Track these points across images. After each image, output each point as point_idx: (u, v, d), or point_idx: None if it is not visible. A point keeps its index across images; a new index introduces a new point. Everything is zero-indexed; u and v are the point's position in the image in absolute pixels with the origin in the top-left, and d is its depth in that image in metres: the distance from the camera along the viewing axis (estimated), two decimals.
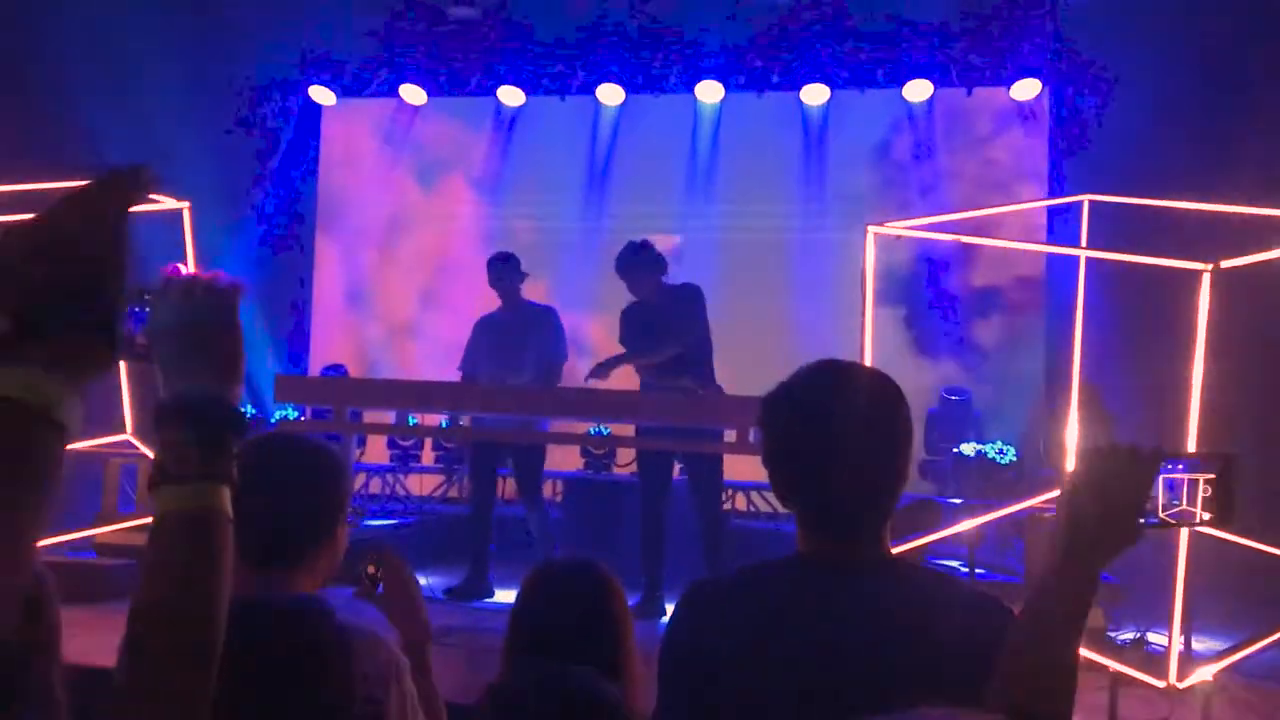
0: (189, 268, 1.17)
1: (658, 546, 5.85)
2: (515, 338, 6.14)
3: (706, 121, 8.74)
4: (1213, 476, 1.40)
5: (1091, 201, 5.21)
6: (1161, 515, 1.40)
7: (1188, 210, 4.69)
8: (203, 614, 1.09)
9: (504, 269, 6.20)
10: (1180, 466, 1.40)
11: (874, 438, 1.60)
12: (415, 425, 6.25)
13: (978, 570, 6.05)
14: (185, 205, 5.14)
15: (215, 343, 1.14)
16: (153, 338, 1.14)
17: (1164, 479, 1.40)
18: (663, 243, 6.26)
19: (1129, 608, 5.23)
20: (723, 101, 8.66)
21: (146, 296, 1.16)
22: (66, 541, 5.47)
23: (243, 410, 1.17)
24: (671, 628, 1.65)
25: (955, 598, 1.59)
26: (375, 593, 2.21)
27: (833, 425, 1.59)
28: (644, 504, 5.90)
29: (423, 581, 2.30)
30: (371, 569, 2.18)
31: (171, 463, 1.11)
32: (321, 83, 9.03)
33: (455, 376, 6.25)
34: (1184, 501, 1.40)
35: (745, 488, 8.07)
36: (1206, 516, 1.40)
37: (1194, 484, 1.40)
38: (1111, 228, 5.18)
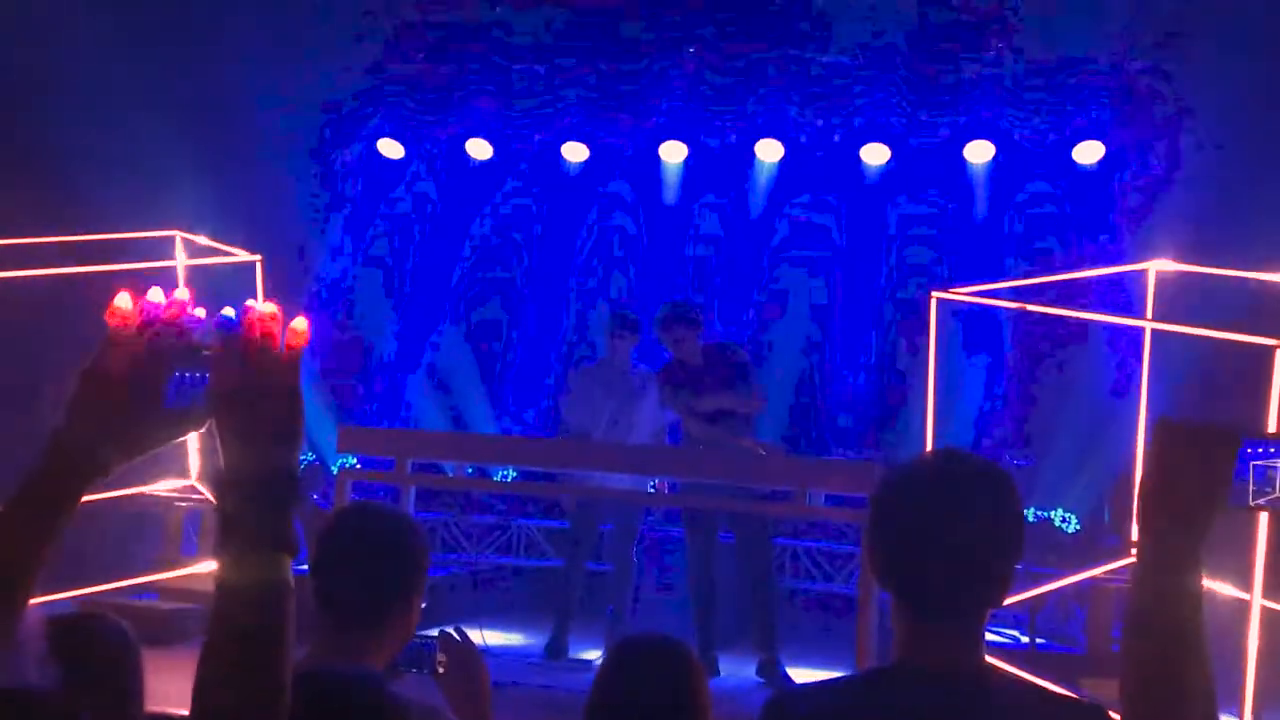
0: (238, 318, 1.14)
1: (709, 605, 5.81)
2: (629, 397, 6.09)
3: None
4: None
5: (1159, 271, 5.17)
6: (1253, 502, 1.36)
7: (1263, 281, 4.64)
8: (267, 684, 1.10)
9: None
10: (1263, 449, 1.36)
11: (985, 534, 1.58)
12: (493, 480, 6.22)
13: (1038, 640, 5.94)
14: (258, 258, 5.25)
15: (276, 408, 1.13)
16: (211, 403, 1.14)
17: (1251, 464, 1.36)
18: None
19: None
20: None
21: (205, 353, 1.15)
22: (130, 586, 5.55)
23: (303, 479, 1.20)
24: None
25: (1053, 714, 1.55)
26: (443, 679, 2.23)
27: (946, 518, 1.57)
28: (692, 561, 5.86)
29: (475, 637, 2.31)
30: (442, 656, 2.20)
31: (234, 532, 1.11)
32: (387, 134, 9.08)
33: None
34: (1277, 487, 1.36)
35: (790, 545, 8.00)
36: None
37: (1267, 468, 1.36)
38: (1183, 297, 5.13)
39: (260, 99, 7.14)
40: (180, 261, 5.15)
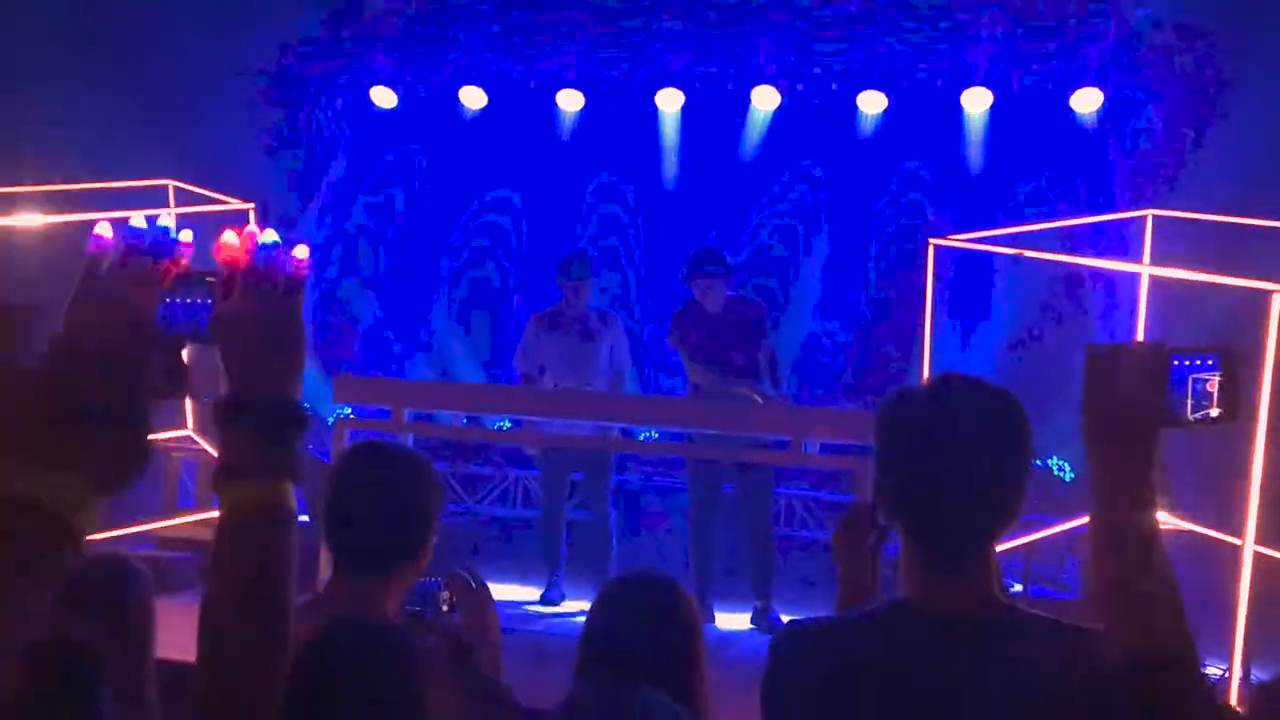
0: (239, 244, 1.15)
1: (707, 554, 5.86)
2: (585, 342, 6.10)
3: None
4: (1219, 374, 1.38)
5: (1155, 217, 5.15)
6: (1191, 416, 1.37)
7: (1262, 228, 4.63)
8: (273, 606, 1.11)
9: (585, 265, 6.15)
10: (1193, 363, 1.38)
11: (994, 459, 1.53)
12: (479, 428, 6.21)
13: (1032, 585, 5.99)
14: (251, 206, 5.22)
15: (280, 339, 1.15)
16: (216, 331, 1.15)
17: (1191, 378, 1.37)
18: None
19: None
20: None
21: (209, 281, 1.16)
22: (127, 535, 5.57)
23: (305, 406, 1.18)
24: (773, 672, 1.62)
25: (1062, 647, 1.52)
26: (452, 619, 2.23)
27: (953, 442, 1.52)
28: (694, 510, 5.90)
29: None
30: (448, 594, 2.20)
31: (237, 459, 1.13)
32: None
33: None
34: (1202, 400, 1.38)
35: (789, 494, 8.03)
36: (1215, 413, 1.37)
37: (1202, 382, 1.38)
38: (1179, 245, 5.11)
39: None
40: (172, 210, 5.11)
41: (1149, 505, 1.34)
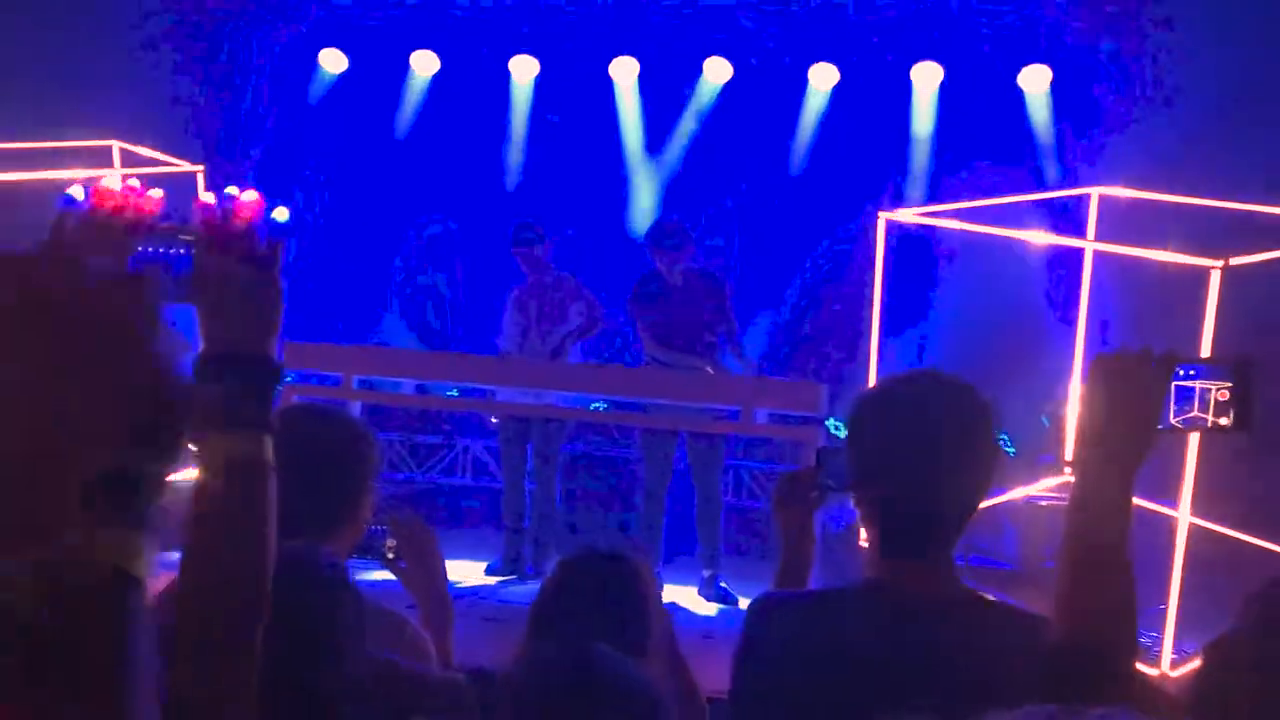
0: (222, 205, 1.17)
1: (658, 524, 5.90)
2: (558, 304, 6.10)
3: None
4: (1229, 383, 1.39)
5: (1101, 195, 5.24)
6: (1174, 421, 1.39)
7: (1200, 206, 4.72)
8: (253, 558, 1.14)
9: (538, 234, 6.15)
10: (1194, 372, 1.39)
11: (960, 454, 1.60)
12: (429, 396, 6.18)
13: (972, 555, 6.11)
14: (200, 168, 5.14)
15: (258, 295, 1.17)
16: (196, 286, 1.17)
17: (1175, 385, 1.39)
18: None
19: None
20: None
21: (184, 238, 1.18)
22: None
23: (281, 362, 1.20)
24: (747, 640, 1.69)
25: (1016, 630, 1.59)
26: (397, 566, 2.23)
27: (922, 436, 1.59)
28: (648, 479, 5.93)
29: None
30: (392, 542, 2.20)
31: (215, 414, 1.14)
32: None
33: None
34: (1197, 408, 1.39)
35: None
36: (1225, 421, 1.39)
37: (1207, 391, 1.39)
38: (1121, 222, 5.21)
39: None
40: (117, 171, 5.01)
41: (1126, 510, 1.38)
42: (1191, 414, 1.40)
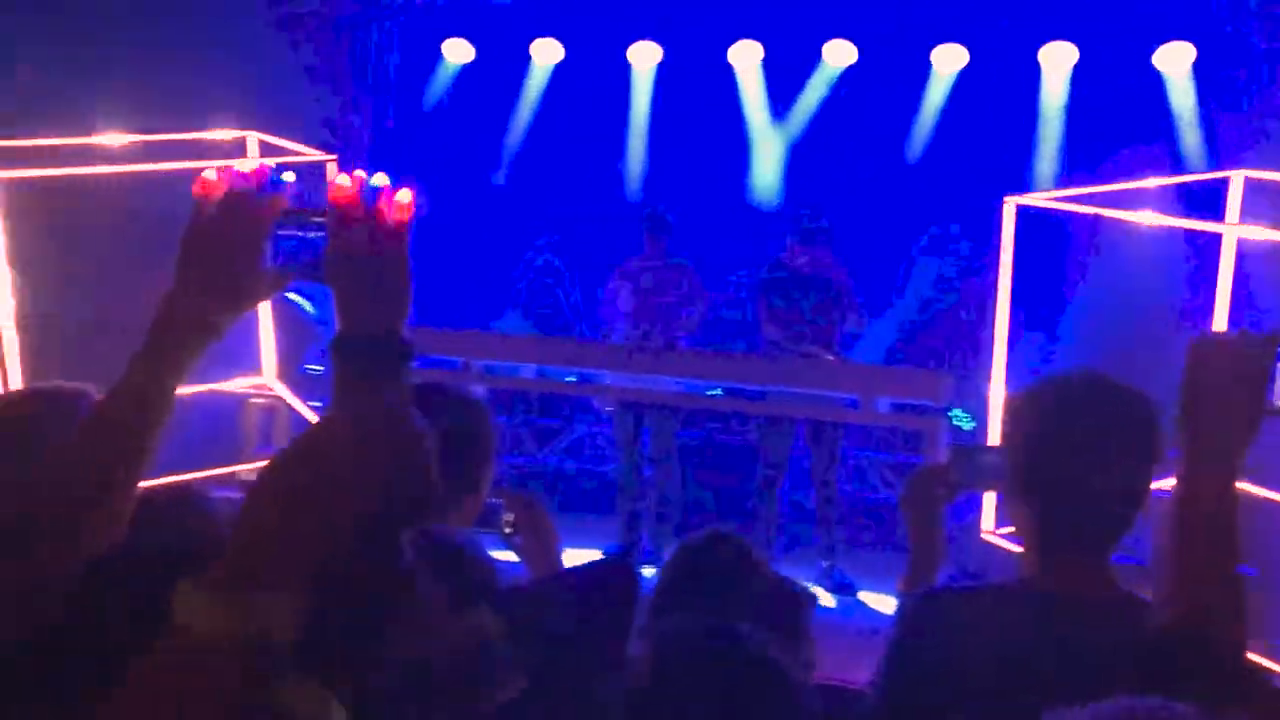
0: (350, 185, 1.20)
1: (774, 512, 5.87)
2: (673, 290, 6.14)
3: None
4: None
5: (1246, 178, 5.00)
6: (1278, 404, 1.35)
7: None
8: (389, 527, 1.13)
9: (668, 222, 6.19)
10: None
11: (1127, 460, 1.61)
12: (547, 380, 6.25)
13: None
14: (333, 159, 5.27)
15: (389, 276, 1.20)
16: (329, 268, 1.21)
17: (1278, 367, 1.34)
18: None
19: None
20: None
21: (316, 220, 1.22)
22: (210, 478, 5.71)
23: (411, 342, 1.23)
24: (903, 632, 1.71)
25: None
26: (514, 541, 2.26)
27: (1089, 438, 1.60)
28: (765, 469, 5.91)
29: None
30: (510, 517, 2.23)
31: (350, 391, 1.19)
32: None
33: None
34: None
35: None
36: None
37: None
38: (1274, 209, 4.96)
39: None
40: (255, 160, 5.18)
41: (1232, 498, 1.34)
42: None
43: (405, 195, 1.21)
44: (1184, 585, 1.36)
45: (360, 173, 1.21)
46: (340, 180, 1.20)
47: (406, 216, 1.21)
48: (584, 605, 1.71)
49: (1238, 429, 1.34)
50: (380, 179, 1.21)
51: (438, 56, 8.83)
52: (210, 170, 1.23)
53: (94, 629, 1.05)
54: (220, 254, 1.21)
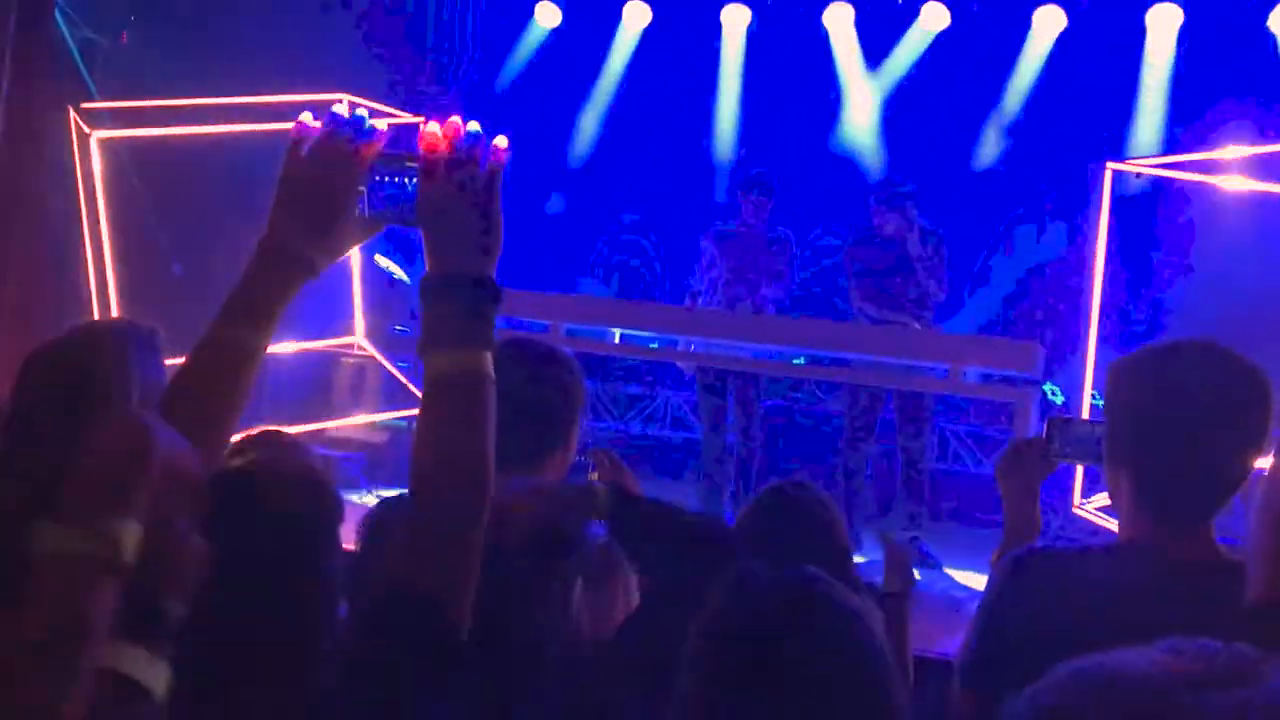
0: (442, 134, 1.22)
1: (858, 481, 5.82)
2: (766, 258, 6.02)
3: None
4: None
5: None
6: None
7: None
8: (477, 464, 1.21)
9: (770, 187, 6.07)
10: None
11: (1239, 429, 1.60)
12: (631, 345, 6.24)
13: None
14: (421, 119, 5.32)
15: (479, 221, 1.22)
16: (421, 211, 1.24)
17: None
18: None
19: None
20: None
21: (409, 165, 1.24)
22: (299, 435, 5.83)
23: (499, 285, 1.26)
24: (998, 591, 1.71)
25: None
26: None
27: (1204, 411, 1.59)
28: (848, 438, 5.85)
29: None
30: (595, 475, 2.24)
31: (440, 331, 1.22)
32: None
33: None
34: None
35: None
36: None
37: None
38: None
39: None
40: (345, 99, 5.25)
41: None
42: None
43: (502, 141, 1.23)
44: (1274, 554, 1.33)
45: (455, 119, 1.23)
46: (432, 127, 1.22)
47: (502, 161, 1.23)
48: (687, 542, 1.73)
49: None
50: (474, 126, 1.23)
51: (526, 20, 8.84)
52: (307, 114, 1.26)
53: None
54: (315, 194, 1.24)
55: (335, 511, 1.35)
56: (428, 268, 1.24)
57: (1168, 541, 1.62)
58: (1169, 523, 1.63)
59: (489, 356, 1.23)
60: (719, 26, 8.61)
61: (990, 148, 8.34)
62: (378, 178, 1.25)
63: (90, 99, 6.02)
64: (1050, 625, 1.55)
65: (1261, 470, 1.44)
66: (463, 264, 1.22)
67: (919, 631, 2.79)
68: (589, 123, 9.02)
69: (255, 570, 1.22)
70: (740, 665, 1.28)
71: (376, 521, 1.83)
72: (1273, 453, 1.39)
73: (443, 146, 1.21)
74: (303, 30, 6.76)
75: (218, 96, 5.75)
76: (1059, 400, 7.17)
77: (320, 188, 1.24)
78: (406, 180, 1.24)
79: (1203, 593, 1.53)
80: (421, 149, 1.22)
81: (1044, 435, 2.02)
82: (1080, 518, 5.07)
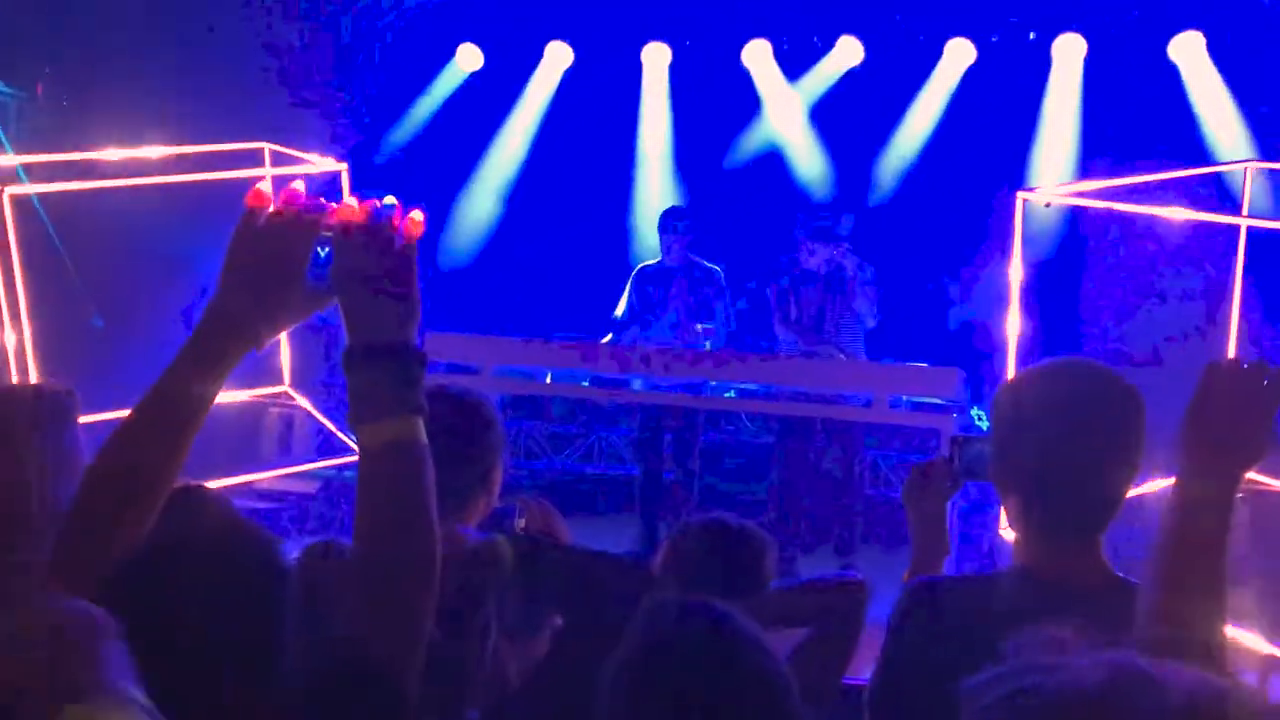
0: (359, 208, 1.25)
1: (793, 512, 5.87)
2: (705, 298, 6.10)
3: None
4: None
5: (1257, 169, 4.97)
6: None
7: None
8: (420, 527, 1.21)
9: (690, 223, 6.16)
10: None
11: (1113, 447, 1.62)
12: (564, 384, 6.24)
13: None
14: (343, 167, 5.32)
15: (398, 287, 1.23)
16: (337, 283, 1.25)
17: None
18: None
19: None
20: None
21: (324, 235, 1.25)
22: (227, 487, 5.75)
23: (422, 349, 1.26)
24: (903, 615, 1.73)
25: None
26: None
27: (1079, 424, 1.61)
28: (782, 470, 5.90)
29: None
30: (522, 522, 2.25)
31: (369, 402, 1.22)
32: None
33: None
34: None
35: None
36: None
37: None
38: None
39: None
40: (268, 172, 5.23)
41: (1227, 516, 1.35)
42: None
43: (418, 215, 1.26)
44: (1169, 596, 1.37)
45: (372, 196, 1.26)
46: (349, 202, 1.24)
47: (418, 234, 1.25)
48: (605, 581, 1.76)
49: (1240, 458, 1.34)
50: (388, 199, 1.25)
51: (444, 63, 8.87)
52: (265, 183, 1.28)
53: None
54: (267, 267, 1.24)
55: (268, 577, 1.32)
56: (348, 339, 1.24)
57: (1056, 562, 1.64)
58: (1055, 542, 1.65)
59: (420, 422, 1.23)
60: (640, 66, 8.71)
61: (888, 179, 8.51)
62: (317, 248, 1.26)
63: (2, 152, 5.92)
64: (946, 656, 1.59)
65: (1155, 494, 1.49)
66: (382, 332, 1.23)
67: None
68: (506, 165, 9.04)
69: (193, 641, 1.20)
70: (651, 696, 1.34)
71: (309, 583, 1.82)
72: (1172, 479, 1.42)
73: (356, 217, 1.23)
74: (221, 76, 6.74)
75: (135, 147, 5.69)
76: (985, 424, 7.30)
77: (271, 261, 1.24)
78: (319, 250, 1.25)
79: (1093, 616, 1.56)
80: (334, 220, 1.23)
81: (947, 455, 2.05)
82: (1007, 541, 5.16)
